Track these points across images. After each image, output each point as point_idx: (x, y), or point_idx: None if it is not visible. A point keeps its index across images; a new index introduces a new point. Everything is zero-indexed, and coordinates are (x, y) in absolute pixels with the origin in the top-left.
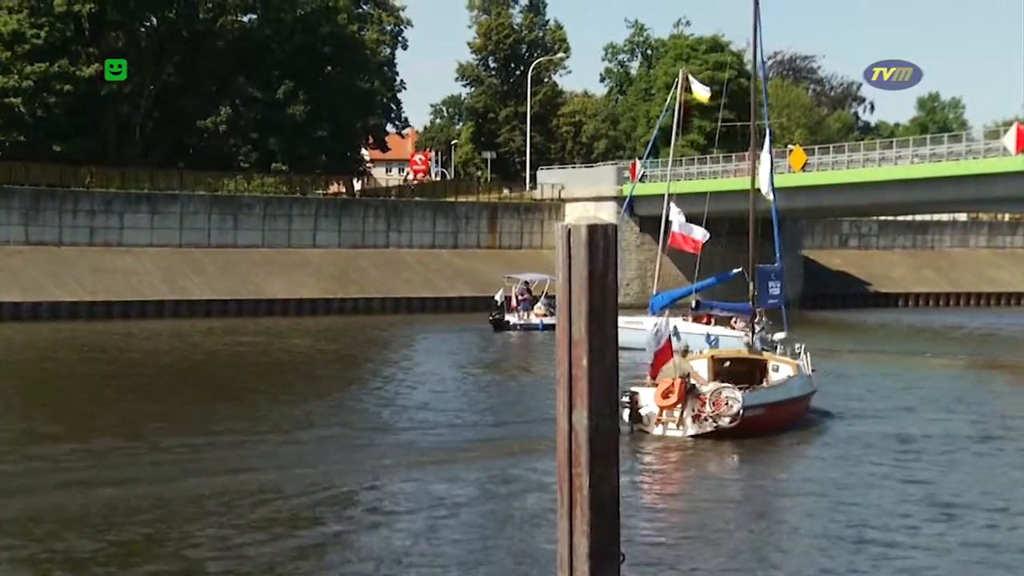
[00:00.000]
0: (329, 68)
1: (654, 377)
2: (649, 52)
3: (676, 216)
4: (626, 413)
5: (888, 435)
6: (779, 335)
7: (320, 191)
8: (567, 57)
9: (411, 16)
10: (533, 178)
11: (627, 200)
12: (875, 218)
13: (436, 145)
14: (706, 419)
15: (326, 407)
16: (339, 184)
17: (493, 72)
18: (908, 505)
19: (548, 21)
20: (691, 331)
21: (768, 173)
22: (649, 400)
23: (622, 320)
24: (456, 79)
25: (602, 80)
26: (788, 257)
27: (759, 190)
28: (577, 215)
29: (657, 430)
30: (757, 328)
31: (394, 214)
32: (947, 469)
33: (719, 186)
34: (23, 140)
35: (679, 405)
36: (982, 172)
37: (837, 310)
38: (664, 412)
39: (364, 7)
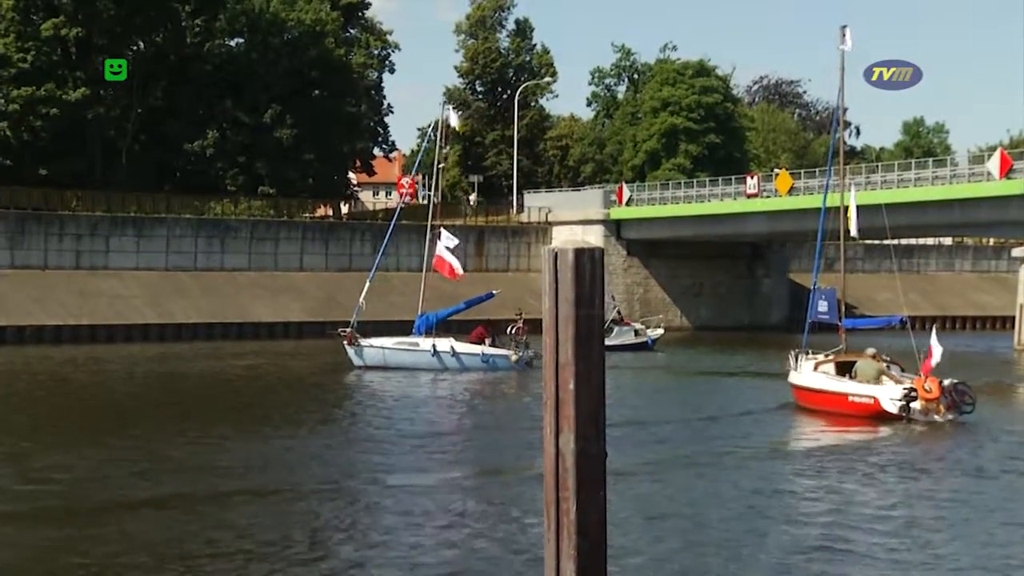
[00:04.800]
0: (316, 92)
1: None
2: (636, 76)
3: (447, 242)
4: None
5: None
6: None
7: (307, 215)
8: (554, 81)
9: (398, 40)
10: (520, 201)
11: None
12: (860, 241)
13: (423, 168)
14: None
15: (313, 428)
16: (326, 207)
17: (480, 96)
18: None
19: (535, 45)
20: (467, 351)
21: (855, 211)
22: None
23: (391, 341)
24: (443, 103)
25: (589, 104)
26: (775, 280)
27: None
28: (564, 238)
29: (925, 418)
30: (522, 348)
31: (381, 237)
32: None
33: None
34: (9, 164)
35: (940, 398)
36: (966, 196)
37: (823, 333)
38: (927, 404)
39: (351, 31)
